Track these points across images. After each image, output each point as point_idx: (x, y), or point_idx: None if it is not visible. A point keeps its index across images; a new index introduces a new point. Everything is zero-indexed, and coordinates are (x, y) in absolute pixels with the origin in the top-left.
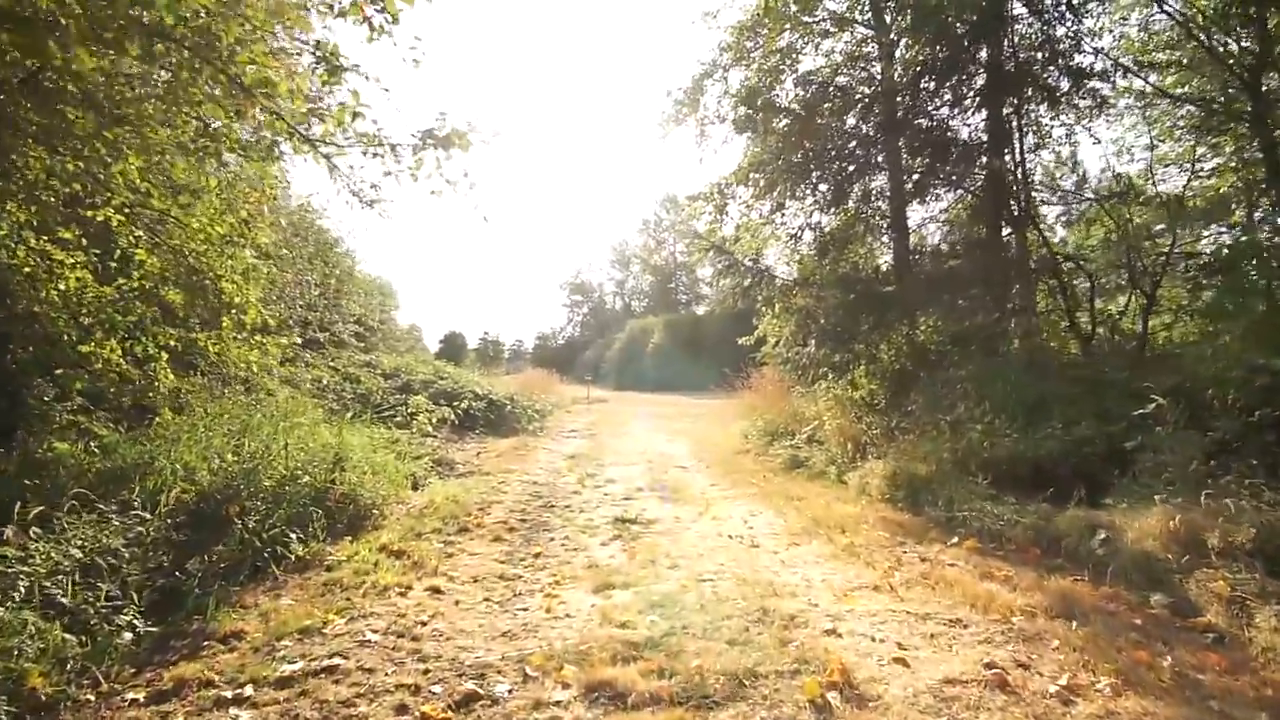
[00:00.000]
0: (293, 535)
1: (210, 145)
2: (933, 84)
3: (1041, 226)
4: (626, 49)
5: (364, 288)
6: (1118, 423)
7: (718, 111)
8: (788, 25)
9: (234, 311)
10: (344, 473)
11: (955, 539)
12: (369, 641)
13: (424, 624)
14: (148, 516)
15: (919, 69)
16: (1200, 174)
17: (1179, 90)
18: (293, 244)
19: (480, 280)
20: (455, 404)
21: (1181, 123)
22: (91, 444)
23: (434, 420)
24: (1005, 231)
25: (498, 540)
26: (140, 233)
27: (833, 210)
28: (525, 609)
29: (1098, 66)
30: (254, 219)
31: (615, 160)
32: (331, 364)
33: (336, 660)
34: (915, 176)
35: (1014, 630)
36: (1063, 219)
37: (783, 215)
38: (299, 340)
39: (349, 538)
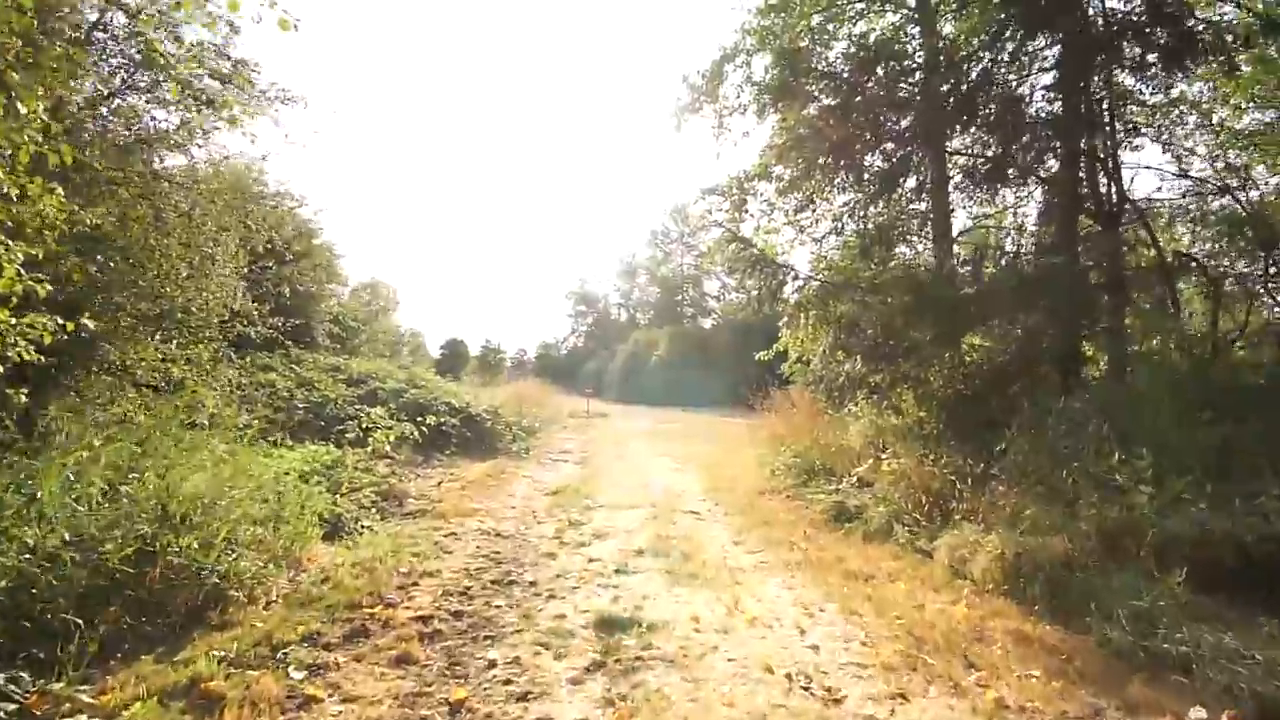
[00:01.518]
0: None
1: None
2: (998, 53)
3: (1149, 223)
4: (639, 53)
5: (335, 278)
6: None
7: (738, 101)
8: (821, 4)
9: None
10: (181, 534)
11: (1199, 709)
12: None
13: None
14: None
15: (980, 39)
16: None
17: None
18: (200, 202)
19: (485, 287)
20: (422, 419)
21: None
22: None
23: (391, 439)
24: (1091, 229)
25: (402, 662)
26: None
27: (879, 202)
28: None
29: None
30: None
31: (624, 170)
32: (293, 366)
33: None
34: (975, 163)
35: None
36: (1165, 212)
37: (813, 212)
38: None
39: (155, 653)
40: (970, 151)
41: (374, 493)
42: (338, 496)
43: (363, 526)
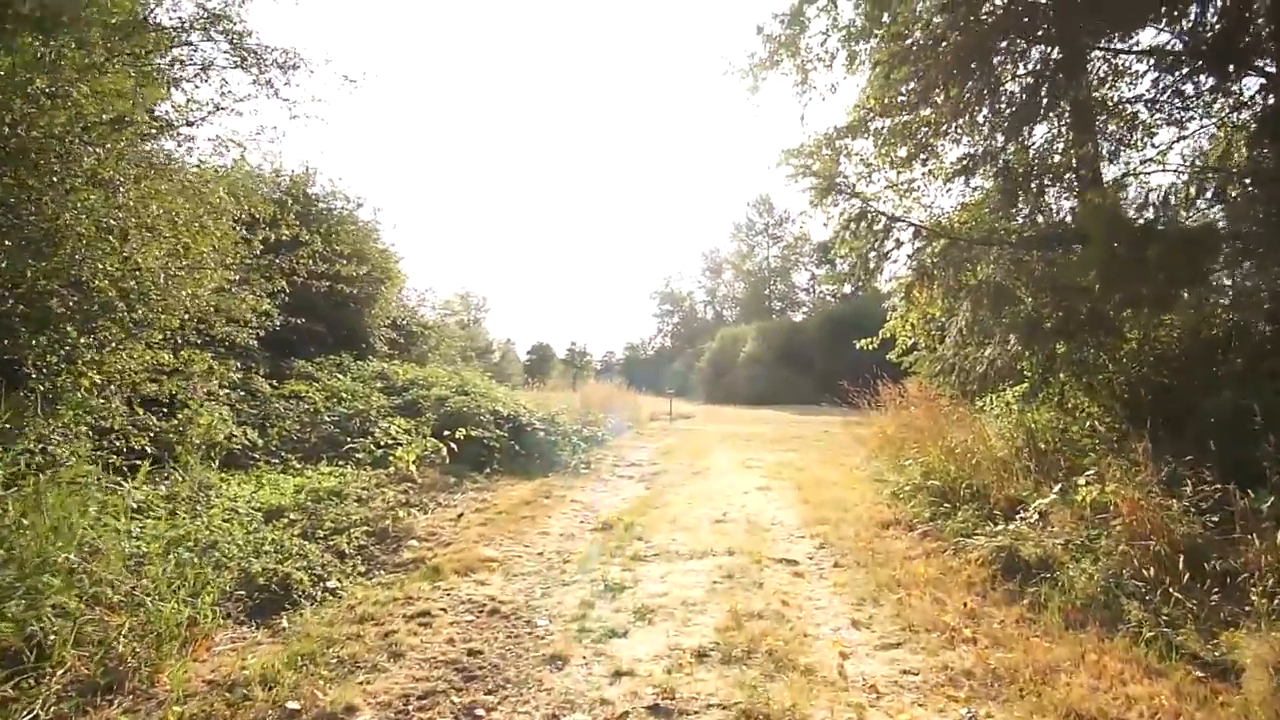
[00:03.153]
0: None
1: None
2: None
3: None
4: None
5: (394, 280)
6: None
7: (824, 49)
8: None
9: None
10: None
11: None
12: None
13: None
14: None
15: None
16: None
17: None
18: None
19: (574, 292)
20: (450, 433)
21: None
22: None
23: (412, 457)
24: None
25: None
26: None
27: (1019, 137)
28: None
29: None
30: None
31: (704, 161)
32: (337, 376)
33: None
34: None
35: None
36: None
37: (924, 165)
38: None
39: None
40: (1156, 48)
41: (365, 533)
42: (308, 542)
43: (324, 590)
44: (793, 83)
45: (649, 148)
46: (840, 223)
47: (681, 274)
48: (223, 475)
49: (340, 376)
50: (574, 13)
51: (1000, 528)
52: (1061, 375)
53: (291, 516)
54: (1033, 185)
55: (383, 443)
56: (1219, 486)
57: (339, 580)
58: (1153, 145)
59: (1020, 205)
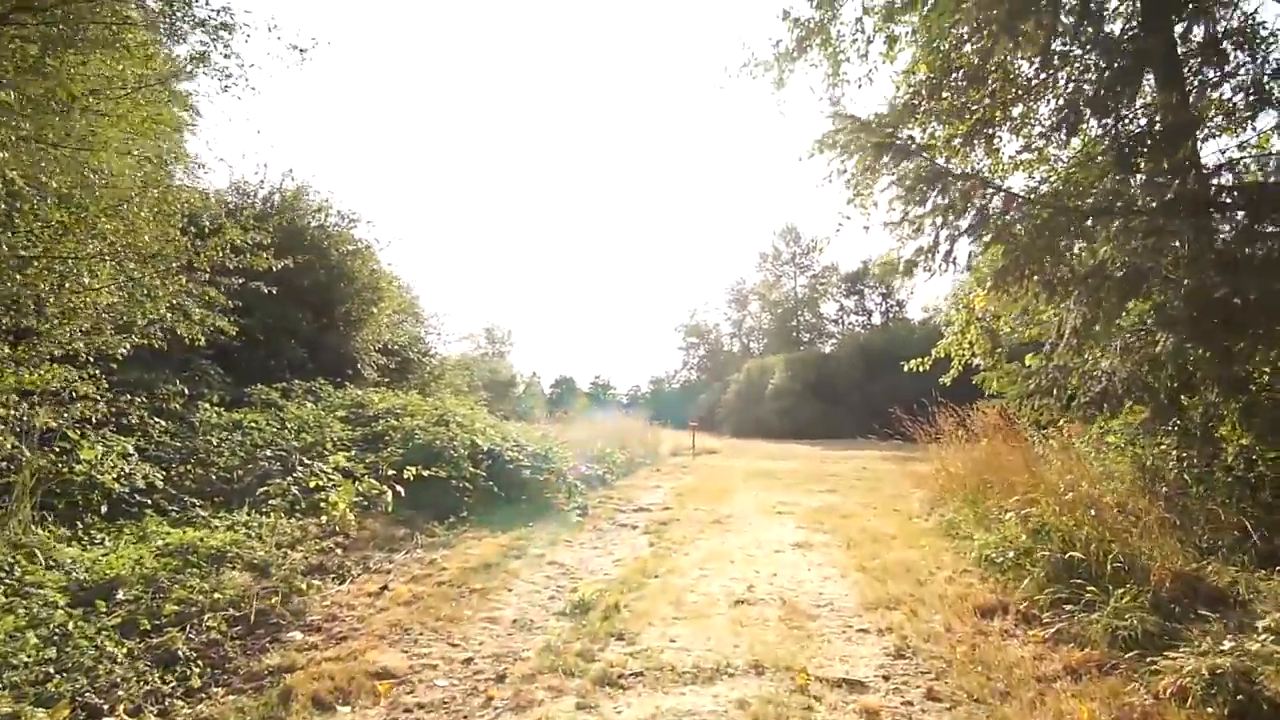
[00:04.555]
0: None
1: None
2: None
3: None
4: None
5: (386, 301)
6: None
7: (859, 30)
8: None
9: None
10: None
11: None
12: None
13: None
14: None
15: None
16: None
17: None
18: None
19: (599, 326)
20: (405, 471)
21: None
22: None
23: (344, 503)
24: None
25: None
26: None
27: (1124, 95)
28: None
29: None
30: None
31: (731, 197)
32: (306, 404)
33: None
34: None
35: None
36: None
37: (988, 144)
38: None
39: None
40: None
41: (227, 620)
42: (121, 641)
43: None
44: (823, 74)
45: (672, 181)
46: (902, 188)
47: (707, 306)
48: (54, 533)
49: (310, 405)
50: (596, 38)
51: (1227, 643)
52: (1212, 394)
53: (122, 596)
54: (1163, 142)
55: (309, 485)
56: None
57: (138, 710)
58: (1253, 127)
59: (1143, 165)
